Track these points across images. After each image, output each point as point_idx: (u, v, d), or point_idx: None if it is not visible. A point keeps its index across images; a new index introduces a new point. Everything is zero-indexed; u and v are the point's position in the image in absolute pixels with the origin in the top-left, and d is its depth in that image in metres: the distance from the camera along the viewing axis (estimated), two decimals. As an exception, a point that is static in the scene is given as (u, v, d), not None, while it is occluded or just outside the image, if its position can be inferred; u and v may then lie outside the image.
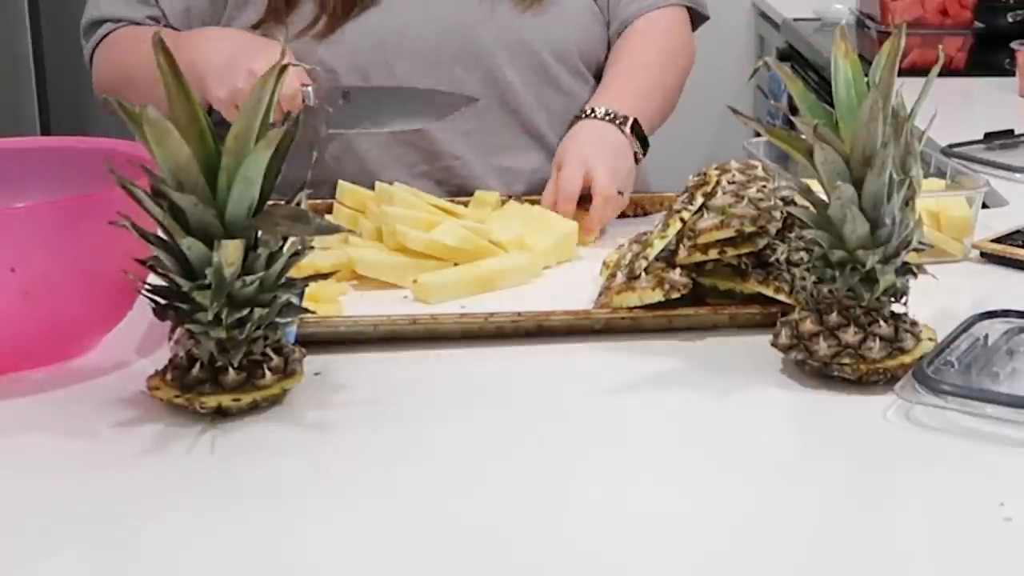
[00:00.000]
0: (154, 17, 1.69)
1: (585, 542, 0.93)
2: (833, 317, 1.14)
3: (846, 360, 1.13)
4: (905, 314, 1.17)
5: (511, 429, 1.10)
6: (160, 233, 1.07)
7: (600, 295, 1.31)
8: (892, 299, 1.15)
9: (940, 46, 1.27)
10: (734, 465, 1.03)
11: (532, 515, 0.97)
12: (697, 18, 1.81)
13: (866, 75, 1.13)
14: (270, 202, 1.08)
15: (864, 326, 1.14)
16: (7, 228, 1.12)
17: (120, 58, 1.68)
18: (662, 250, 1.29)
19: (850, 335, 1.13)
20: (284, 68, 1.07)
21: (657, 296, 1.26)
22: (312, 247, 1.12)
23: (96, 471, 1.03)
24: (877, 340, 1.13)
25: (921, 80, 1.13)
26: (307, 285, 1.12)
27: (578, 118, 1.64)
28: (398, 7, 1.66)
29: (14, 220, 1.14)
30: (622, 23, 1.75)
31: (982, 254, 1.45)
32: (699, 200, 1.31)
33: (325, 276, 1.17)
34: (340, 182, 1.54)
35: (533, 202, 1.57)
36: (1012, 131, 1.98)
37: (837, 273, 1.13)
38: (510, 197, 1.60)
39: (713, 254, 1.26)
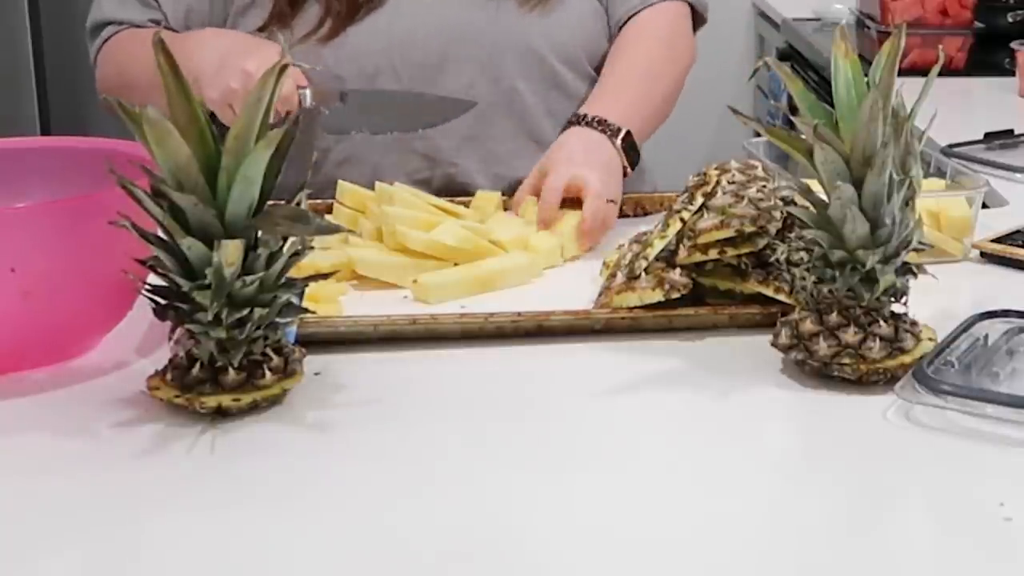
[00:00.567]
0: (155, 20, 1.69)
1: (585, 542, 0.93)
2: (833, 317, 1.14)
3: (846, 360, 1.13)
4: (905, 314, 1.17)
5: (511, 429, 1.10)
6: (160, 233, 1.07)
7: (600, 295, 1.31)
8: (892, 299, 1.15)
9: (940, 46, 1.27)
10: (734, 465, 1.03)
11: (532, 514, 0.97)
12: (697, 18, 1.79)
13: (866, 75, 1.13)
14: (270, 202, 1.08)
15: (864, 326, 1.14)
16: (7, 228, 1.12)
17: (120, 60, 1.68)
18: (662, 250, 1.29)
19: (850, 335, 1.13)
20: (284, 68, 1.07)
21: (657, 296, 1.26)
22: (312, 247, 1.12)
23: (96, 471, 1.03)
24: (877, 340, 1.13)
25: (921, 80, 1.13)
26: (307, 285, 1.12)
27: (570, 123, 1.61)
28: (404, 11, 1.65)
29: (14, 220, 1.14)
30: (621, 19, 1.73)
31: (982, 254, 1.45)
32: (699, 200, 1.31)
33: (325, 276, 1.17)
34: (340, 182, 1.54)
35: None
36: (1012, 131, 1.98)
37: (837, 273, 1.13)
38: (510, 197, 1.61)
39: (713, 254, 1.26)
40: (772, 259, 1.26)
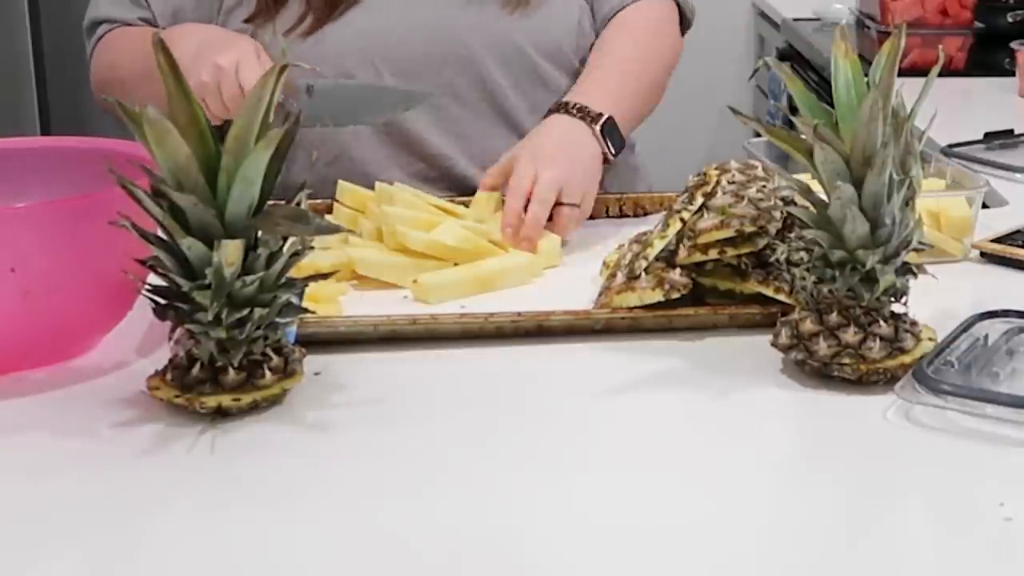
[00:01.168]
0: (145, 19, 1.70)
1: (585, 542, 0.93)
2: (833, 317, 1.14)
3: (846, 360, 1.13)
4: (905, 314, 1.17)
5: (511, 429, 1.10)
6: (160, 233, 1.07)
7: (600, 295, 1.31)
8: (892, 299, 1.15)
9: (940, 46, 1.27)
10: (734, 465, 1.03)
11: (532, 514, 0.97)
12: (683, 21, 1.78)
13: (866, 75, 1.13)
14: (270, 202, 1.08)
15: (864, 326, 1.14)
16: (7, 228, 1.12)
17: (111, 59, 1.70)
18: (662, 250, 1.29)
19: (850, 335, 1.13)
20: (283, 68, 1.07)
21: (657, 296, 1.26)
22: (312, 247, 1.12)
23: (96, 471, 1.03)
24: (877, 340, 1.13)
25: (921, 80, 1.13)
26: (307, 285, 1.12)
27: (550, 111, 1.59)
28: (384, 10, 1.66)
29: (14, 220, 1.14)
30: (607, 15, 1.72)
31: (982, 254, 1.45)
32: (699, 200, 1.31)
33: (325, 276, 1.17)
34: (340, 182, 1.54)
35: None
36: (1012, 131, 1.98)
37: (837, 273, 1.13)
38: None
39: (713, 254, 1.26)
40: (772, 259, 1.26)
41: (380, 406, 1.13)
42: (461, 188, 1.65)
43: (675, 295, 1.26)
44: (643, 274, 1.27)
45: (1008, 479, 1.00)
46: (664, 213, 1.35)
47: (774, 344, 1.17)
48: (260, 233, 1.07)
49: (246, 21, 1.65)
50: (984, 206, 1.53)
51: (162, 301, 1.09)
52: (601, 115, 1.56)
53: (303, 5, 1.65)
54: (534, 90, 1.70)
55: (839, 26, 1.16)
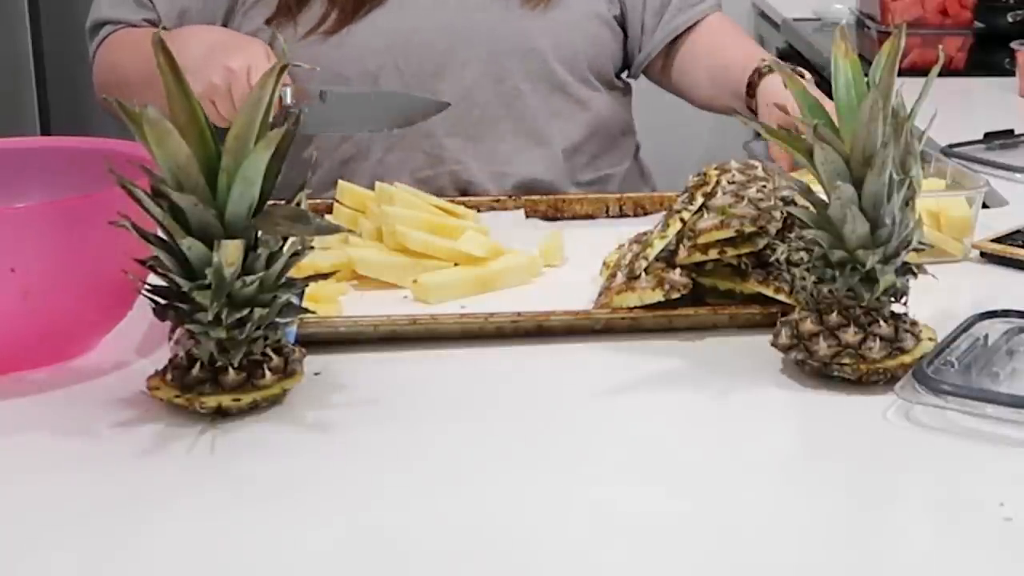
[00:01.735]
0: (150, 20, 1.69)
1: (585, 542, 0.93)
2: (833, 317, 1.14)
3: (846, 360, 1.13)
4: (905, 314, 1.17)
5: (511, 429, 1.10)
6: (160, 233, 1.07)
7: (600, 295, 1.31)
8: (892, 299, 1.15)
9: (940, 46, 1.27)
10: (734, 465, 1.03)
11: (531, 514, 0.97)
12: None
13: (866, 75, 1.13)
14: (270, 202, 1.08)
15: (864, 326, 1.14)
16: (7, 228, 1.12)
17: (114, 60, 1.69)
18: (662, 250, 1.29)
19: (850, 335, 1.13)
20: (283, 68, 1.07)
21: (657, 296, 1.26)
22: (312, 247, 1.12)
23: (96, 471, 1.03)
24: (877, 340, 1.13)
25: (921, 80, 1.13)
26: (307, 285, 1.12)
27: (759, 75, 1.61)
28: (407, 11, 1.66)
29: (14, 220, 1.14)
30: (679, 27, 1.75)
31: (982, 254, 1.45)
32: (699, 200, 1.31)
33: (325, 276, 1.17)
34: (340, 182, 1.54)
35: (531, 203, 1.58)
36: (1012, 131, 1.98)
37: (837, 273, 1.13)
38: (509, 197, 1.61)
39: (713, 254, 1.26)
40: (772, 259, 1.26)
41: (380, 406, 1.13)
42: (467, 193, 1.65)
43: (675, 295, 1.26)
44: (643, 274, 1.27)
45: (1008, 479, 1.00)
46: (664, 213, 1.35)
47: (774, 344, 1.17)
48: (260, 233, 1.07)
49: (267, 22, 1.65)
50: (984, 206, 1.53)
51: (162, 301, 1.09)
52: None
53: (326, 5, 1.65)
54: (551, 94, 1.70)
55: (839, 26, 1.16)
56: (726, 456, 1.05)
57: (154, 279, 1.09)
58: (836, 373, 1.14)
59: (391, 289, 1.37)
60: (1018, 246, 1.44)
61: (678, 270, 1.27)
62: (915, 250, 1.15)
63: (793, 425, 1.14)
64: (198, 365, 1.09)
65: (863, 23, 2.83)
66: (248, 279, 1.06)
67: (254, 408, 1.10)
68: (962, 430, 1.07)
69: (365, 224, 1.47)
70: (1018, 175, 1.80)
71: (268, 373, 1.09)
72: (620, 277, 1.29)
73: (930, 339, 1.16)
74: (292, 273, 1.10)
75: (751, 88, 1.62)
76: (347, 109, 1.54)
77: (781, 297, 1.25)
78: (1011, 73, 2.43)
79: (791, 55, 3.16)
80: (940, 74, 1.13)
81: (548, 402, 1.15)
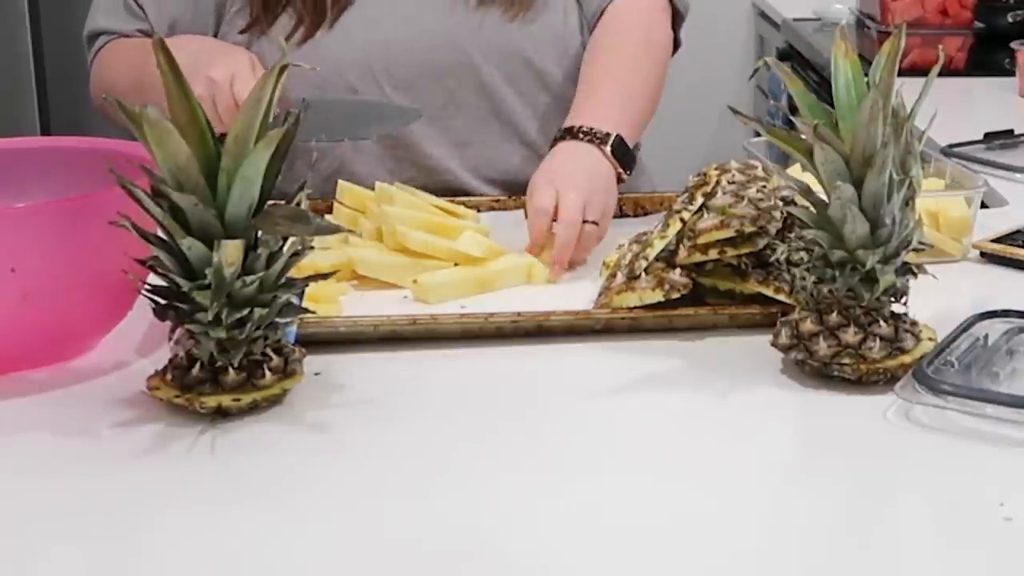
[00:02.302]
0: (142, 30, 1.70)
1: (585, 542, 0.93)
2: (833, 317, 1.14)
3: (846, 360, 1.13)
4: (905, 314, 1.17)
5: (510, 429, 1.10)
6: (160, 233, 1.07)
7: (600, 295, 1.31)
8: (892, 299, 1.15)
9: (940, 46, 1.27)
10: (734, 465, 1.03)
11: (532, 514, 0.97)
12: (676, 16, 1.75)
13: (866, 75, 1.13)
14: (270, 202, 1.08)
15: (864, 326, 1.14)
16: (7, 228, 1.12)
17: (105, 74, 1.71)
18: (662, 250, 1.29)
19: (850, 335, 1.13)
20: (283, 68, 1.07)
21: (657, 296, 1.26)
22: (312, 247, 1.12)
23: (96, 471, 1.03)
24: (877, 340, 1.13)
25: (921, 80, 1.13)
26: (307, 285, 1.12)
27: (557, 140, 1.55)
28: (385, 20, 1.65)
29: (14, 220, 1.14)
30: (596, 11, 1.70)
31: (982, 254, 1.45)
32: (699, 200, 1.31)
33: (325, 276, 1.17)
34: (340, 182, 1.54)
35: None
36: (1012, 131, 1.98)
37: (837, 273, 1.13)
38: (509, 197, 1.61)
39: (713, 254, 1.26)
40: (772, 259, 1.26)
41: (380, 406, 1.13)
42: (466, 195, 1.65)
43: (675, 295, 1.26)
44: (643, 274, 1.27)
45: (1008, 479, 1.00)
46: (664, 213, 1.35)
47: (774, 344, 1.17)
48: (260, 233, 1.07)
49: (242, 32, 1.65)
50: (984, 206, 1.53)
51: (162, 301, 1.09)
52: (609, 135, 1.53)
53: (295, 17, 1.65)
54: (537, 95, 1.69)
55: (839, 26, 1.16)
56: (726, 456, 1.05)
57: (154, 279, 1.09)
58: (836, 373, 1.14)
59: (391, 289, 1.37)
60: (1018, 246, 1.44)
61: (678, 270, 1.27)
62: (915, 250, 1.15)
63: (793, 425, 1.14)
64: (198, 365, 1.09)
65: (863, 23, 2.83)
66: (248, 279, 1.06)
67: (254, 408, 1.10)
68: (962, 430, 1.07)
69: (365, 224, 1.47)
70: (1018, 175, 1.80)
71: (268, 373, 1.09)
72: (620, 277, 1.29)
73: (930, 339, 1.16)
74: (292, 273, 1.10)
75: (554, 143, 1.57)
76: (330, 118, 1.54)
77: (781, 297, 1.26)
78: (1011, 73, 2.43)
79: (791, 55, 3.16)
80: (940, 74, 1.13)
81: (548, 402, 1.15)
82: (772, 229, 1.26)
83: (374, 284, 1.38)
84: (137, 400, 1.12)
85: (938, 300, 1.23)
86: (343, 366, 1.19)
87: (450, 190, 1.67)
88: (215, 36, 1.68)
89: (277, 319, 1.10)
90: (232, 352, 1.08)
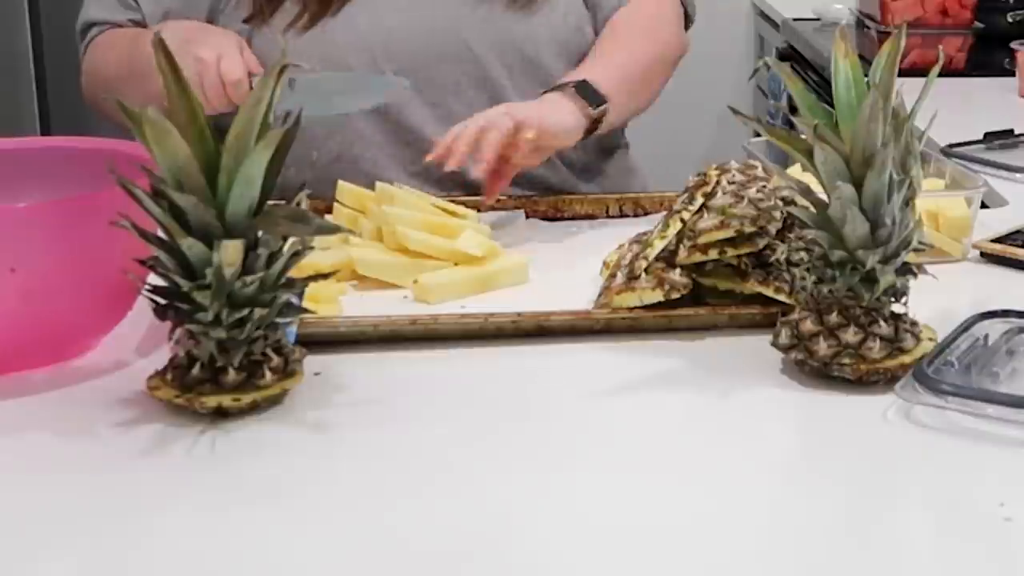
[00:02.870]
0: (135, 20, 1.70)
1: (585, 542, 0.93)
2: (833, 317, 1.14)
3: (846, 360, 1.13)
4: (905, 314, 1.17)
5: (511, 429, 1.10)
6: (160, 233, 1.07)
7: (600, 295, 1.31)
8: (892, 299, 1.15)
9: (940, 46, 1.27)
10: (734, 465, 1.03)
11: (532, 514, 0.97)
12: (686, 17, 1.79)
13: (866, 75, 1.13)
14: (270, 202, 1.08)
15: (864, 326, 1.14)
16: (7, 228, 1.12)
17: (95, 61, 1.71)
18: (662, 250, 1.29)
19: (850, 335, 1.13)
20: (284, 68, 1.07)
21: (657, 296, 1.26)
22: (312, 247, 1.12)
23: (96, 471, 1.03)
24: (877, 340, 1.13)
25: (921, 80, 1.13)
26: (307, 285, 1.12)
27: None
28: (388, 8, 1.66)
29: (14, 220, 1.14)
30: (605, 18, 1.73)
31: (982, 254, 1.45)
32: (699, 200, 1.31)
33: (325, 276, 1.17)
34: (340, 182, 1.54)
35: (531, 203, 1.57)
36: (1012, 131, 1.98)
37: (837, 273, 1.13)
38: (509, 197, 1.61)
39: (713, 254, 1.26)
40: (772, 259, 1.26)
41: (380, 406, 1.13)
42: (462, 187, 1.65)
43: (675, 295, 1.26)
44: (643, 274, 1.27)
45: (1008, 479, 1.00)
46: (664, 213, 1.35)
47: (774, 344, 1.17)
48: (260, 233, 1.07)
49: (245, 21, 1.66)
50: (984, 206, 1.53)
51: (162, 301, 1.09)
52: (578, 82, 1.55)
53: (299, 4, 1.65)
54: (535, 88, 1.70)
55: (839, 26, 1.17)
56: (726, 456, 1.05)
57: (154, 279, 1.09)
58: (836, 373, 1.14)
59: (391, 289, 1.37)
60: (1018, 246, 1.44)
61: (678, 270, 1.27)
62: (915, 250, 1.15)
63: (793, 425, 1.14)
64: (198, 365, 1.09)
65: (863, 23, 2.83)
66: (248, 279, 1.06)
67: (254, 408, 1.10)
68: (962, 430, 1.07)
69: (365, 224, 1.47)
70: (1018, 175, 1.80)
71: (268, 373, 1.09)
72: (620, 277, 1.29)
73: (930, 339, 1.16)
74: (292, 273, 1.10)
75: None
76: (316, 95, 1.53)
77: (781, 297, 1.25)
78: (1011, 73, 2.43)
79: (791, 55, 3.17)
80: (940, 74, 1.13)
81: (548, 402, 1.15)
82: (772, 229, 1.26)
83: (374, 284, 1.38)
84: (137, 400, 1.12)
85: (938, 300, 1.23)
86: (343, 366, 1.19)
87: (453, 177, 1.67)
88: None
89: (277, 319, 1.10)
90: (232, 352, 1.08)
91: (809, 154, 1.11)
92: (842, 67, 1.13)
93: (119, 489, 1.00)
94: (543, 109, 1.52)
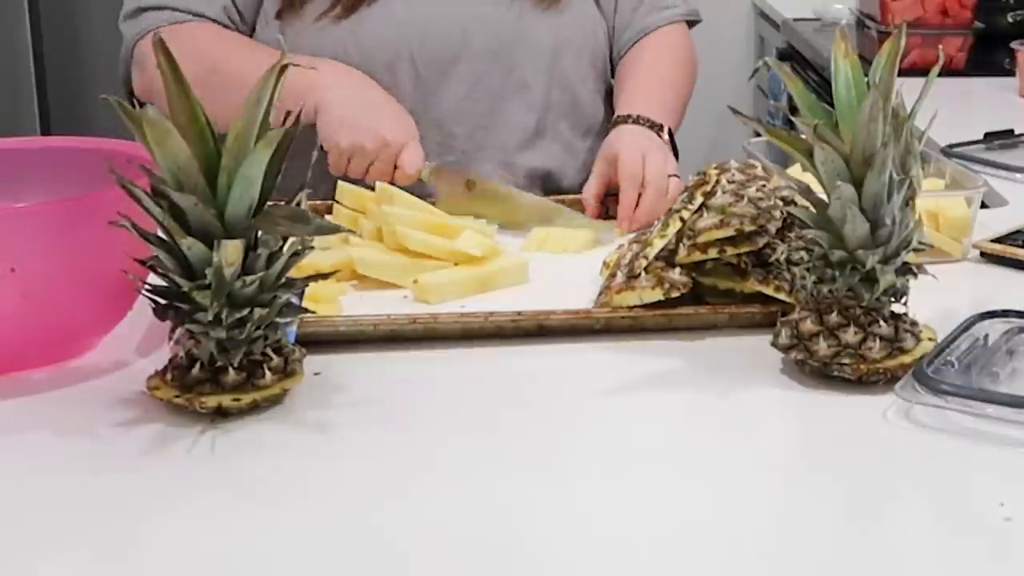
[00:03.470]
0: (196, 12, 1.66)
1: (585, 542, 0.93)
2: (833, 317, 1.14)
3: (846, 360, 1.13)
4: (905, 314, 1.17)
5: (511, 429, 1.10)
6: (160, 233, 1.07)
7: (600, 295, 1.31)
8: (892, 299, 1.15)
9: (940, 46, 1.27)
10: (734, 465, 1.03)
11: (532, 514, 0.97)
12: (690, 24, 1.87)
13: (866, 75, 1.13)
14: (270, 202, 1.08)
15: (864, 326, 1.14)
16: (7, 228, 1.12)
17: (200, 49, 1.62)
18: (662, 249, 1.29)
19: (850, 335, 1.13)
20: (284, 68, 1.07)
21: (657, 295, 1.26)
22: (312, 247, 1.12)
23: (96, 471, 1.03)
24: (877, 340, 1.13)
25: (921, 80, 1.13)
26: (307, 285, 1.12)
27: (617, 122, 1.67)
28: (422, 1, 1.68)
29: (14, 220, 1.14)
30: (634, 36, 1.79)
31: (982, 254, 1.45)
32: (699, 200, 1.31)
33: (325, 276, 1.17)
34: (340, 182, 1.54)
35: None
36: (1012, 131, 1.98)
37: (837, 273, 1.13)
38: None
39: (713, 253, 1.26)
40: (772, 259, 1.26)
41: (380, 406, 1.13)
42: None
43: (675, 294, 1.26)
44: (643, 273, 1.27)
45: (1008, 479, 1.00)
46: (664, 213, 1.35)
47: (774, 344, 1.17)
48: (260, 233, 1.07)
49: (276, 16, 1.67)
50: (984, 206, 1.53)
51: (162, 301, 1.09)
52: (662, 126, 1.66)
53: None
54: (556, 88, 1.74)
55: (839, 26, 1.16)
56: (726, 456, 1.05)
57: (154, 279, 1.09)
58: (836, 373, 1.14)
59: (391, 289, 1.37)
60: (1018, 246, 1.44)
61: (678, 269, 1.27)
62: (915, 250, 1.15)
63: (793, 425, 1.14)
64: (198, 365, 1.09)
65: (863, 23, 2.83)
66: (248, 279, 1.06)
67: (254, 408, 1.10)
68: (962, 430, 1.07)
69: (365, 224, 1.47)
70: (1018, 175, 1.80)
71: (268, 373, 1.09)
72: (620, 277, 1.29)
73: (930, 339, 1.16)
74: (292, 273, 1.10)
75: (610, 128, 1.69)
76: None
77: (781, 296, 1.25)
78: (1011, 73, 2.43)
79: (791, 55, 3.16)
80: (940, 74, 1.13)
81: (548, 402, 1.15)
82: (772, 228, 1.26)
83: (374, 284, 1.38)
84: (137, 400, 1.12)
85: (938, 300, 1.23)
86: (343, 366, 1.19)
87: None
88: (255, 17, 1.69)
89: (277, 319, 1.10)
90: (232, 352, 1.08)
91: (809, 154, 1.11)
92: (842, 67, 1.13)
93: (119, 489, 1.00)
94: (669, 157, 1.63)
